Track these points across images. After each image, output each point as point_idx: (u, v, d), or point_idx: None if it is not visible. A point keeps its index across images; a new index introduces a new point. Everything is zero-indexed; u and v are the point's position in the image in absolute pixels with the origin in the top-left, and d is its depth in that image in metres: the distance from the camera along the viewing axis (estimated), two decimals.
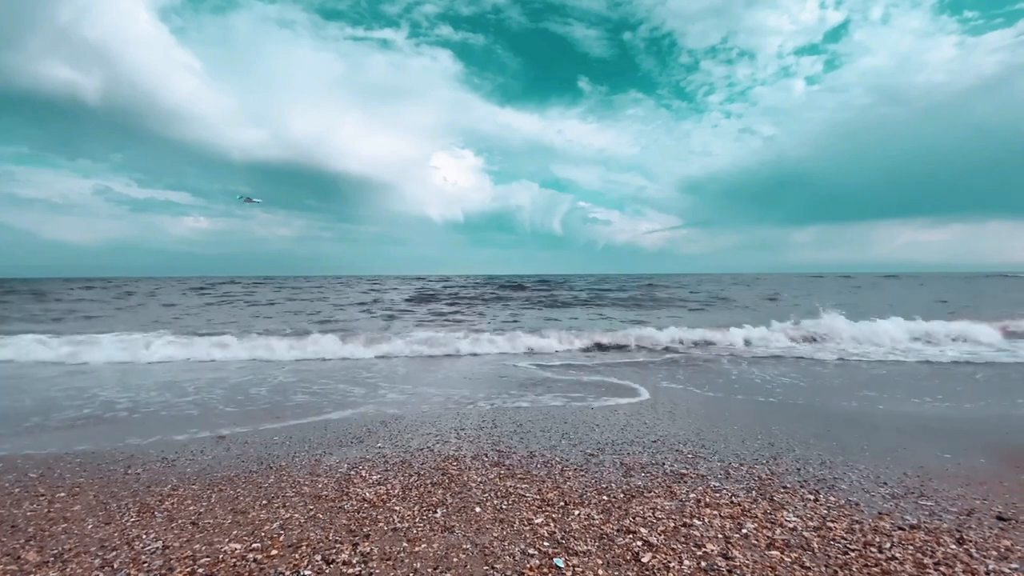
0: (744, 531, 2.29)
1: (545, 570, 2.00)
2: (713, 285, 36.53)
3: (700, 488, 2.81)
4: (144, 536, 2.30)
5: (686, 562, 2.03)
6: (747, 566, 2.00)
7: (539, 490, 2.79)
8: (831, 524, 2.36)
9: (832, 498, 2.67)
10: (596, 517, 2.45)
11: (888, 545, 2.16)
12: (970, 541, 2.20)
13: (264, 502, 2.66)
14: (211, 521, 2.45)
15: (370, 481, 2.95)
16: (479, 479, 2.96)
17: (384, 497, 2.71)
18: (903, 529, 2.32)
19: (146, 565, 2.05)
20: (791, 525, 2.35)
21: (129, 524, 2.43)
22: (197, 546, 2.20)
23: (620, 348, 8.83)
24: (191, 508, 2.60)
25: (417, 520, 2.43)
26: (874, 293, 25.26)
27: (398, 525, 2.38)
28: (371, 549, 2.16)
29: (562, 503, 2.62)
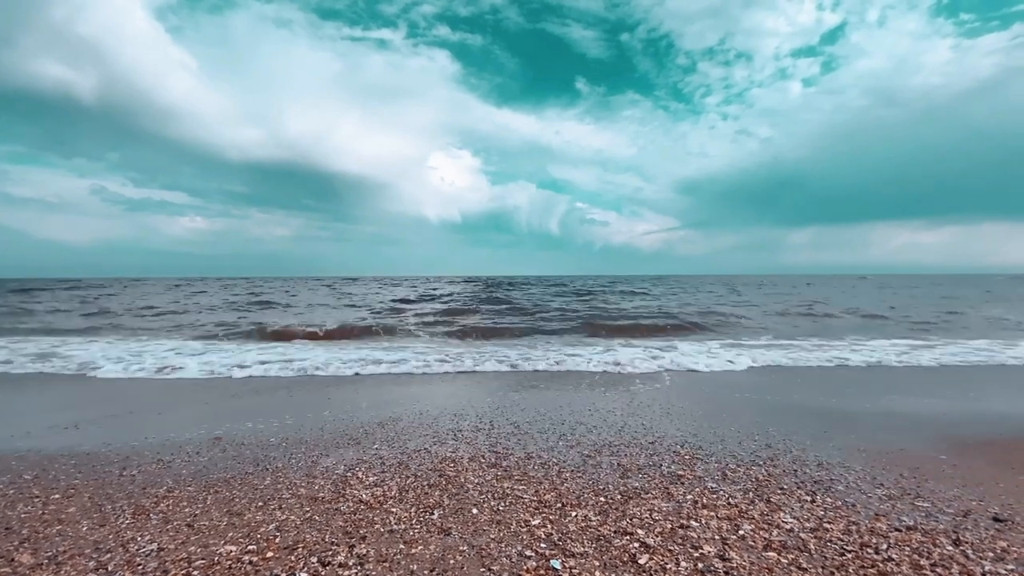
0: (741, 532, 2.29)
1: (542, 572, 1.99)
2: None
3: (697, 489, 2.81)
4: (139, 538, 2.28)
5: (683, 564, 2.03)
6: (744, 567, 2.00)
7: (536, 491, 2.79)
8: (828, 525, 2.36)
9: (829, 499, 2.67)
10: (593, 519, 2.45)
11: (885, 546, 2.16)
12: (966, 542, 2.20)
13: (260, 504, 2.65)
14: (207, 523, 2.44)
15: (367, 483, 2.94)
16: (476, 480, 2.96)
17: (381, 499, 2.70)
18: (899, 530, 2.32)
19: (141, 567, 2.03)
20: (788, 526, 2.35)
21: (124, 526, 2.41)
22: (192, 548, 2.19)
23: None
24: (187, 510, 2.59)
25: (414, 522, 2.43)
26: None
27: (395, 527, 2.38)
28: (367, 551, 2.15)
29: (559, 504, 2.61)
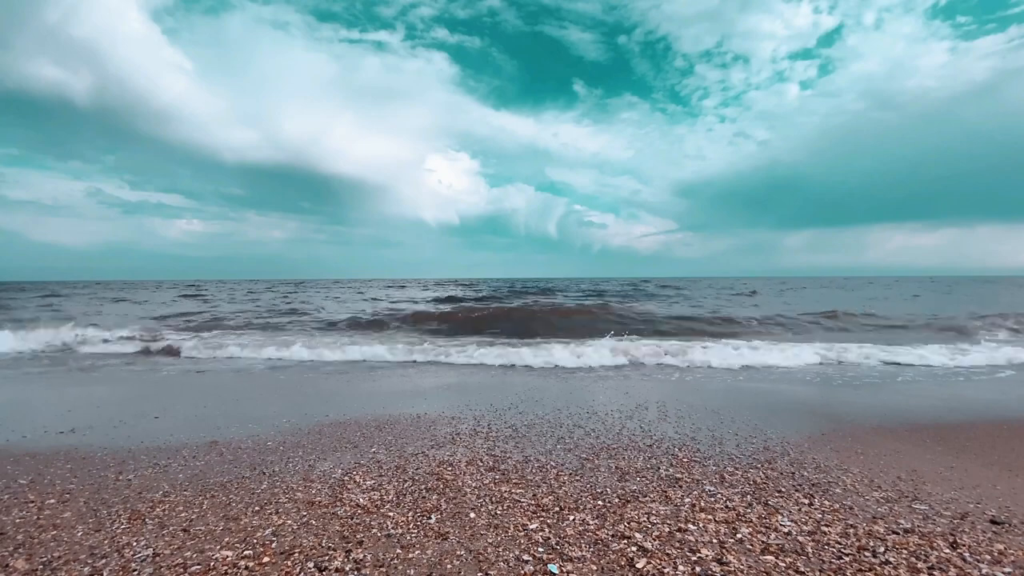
0: (739, 536, 2.29)
1: None
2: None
3: (695, 493, 2.80)
4: (134, 543, 2.27)
5: (681, 568, 2.02)
6: (742, 571, 1.99)
7: (534, 495, 2.78)
8: (825, 528, 2.36)
9: (826, 502, 2.67)
10: (591, 522, 2.44)
11: (882, 549, 2.16)
12: (963, 545, 2.20)
13: (256, 508, 2.64)
14: (203, 528, 2.42)
15: (364, 487, 2.93)
16: (474, 484, 2.95)
17: (378, 503, 2.69)
18: (897, 533, 2.32)
19: (136, 573, 2.02)
20: (786, 530, 2.35)
21: (119, 531, 2.40)
22: (188, 553, 2.18)
23: None
24: (183, 515, 2.58)
25: (411, 526, 2.42)
26: None
27: (392, 531, 2.37)
28: (364, 556, 2.14)
29: (557, 508, 2.61)
